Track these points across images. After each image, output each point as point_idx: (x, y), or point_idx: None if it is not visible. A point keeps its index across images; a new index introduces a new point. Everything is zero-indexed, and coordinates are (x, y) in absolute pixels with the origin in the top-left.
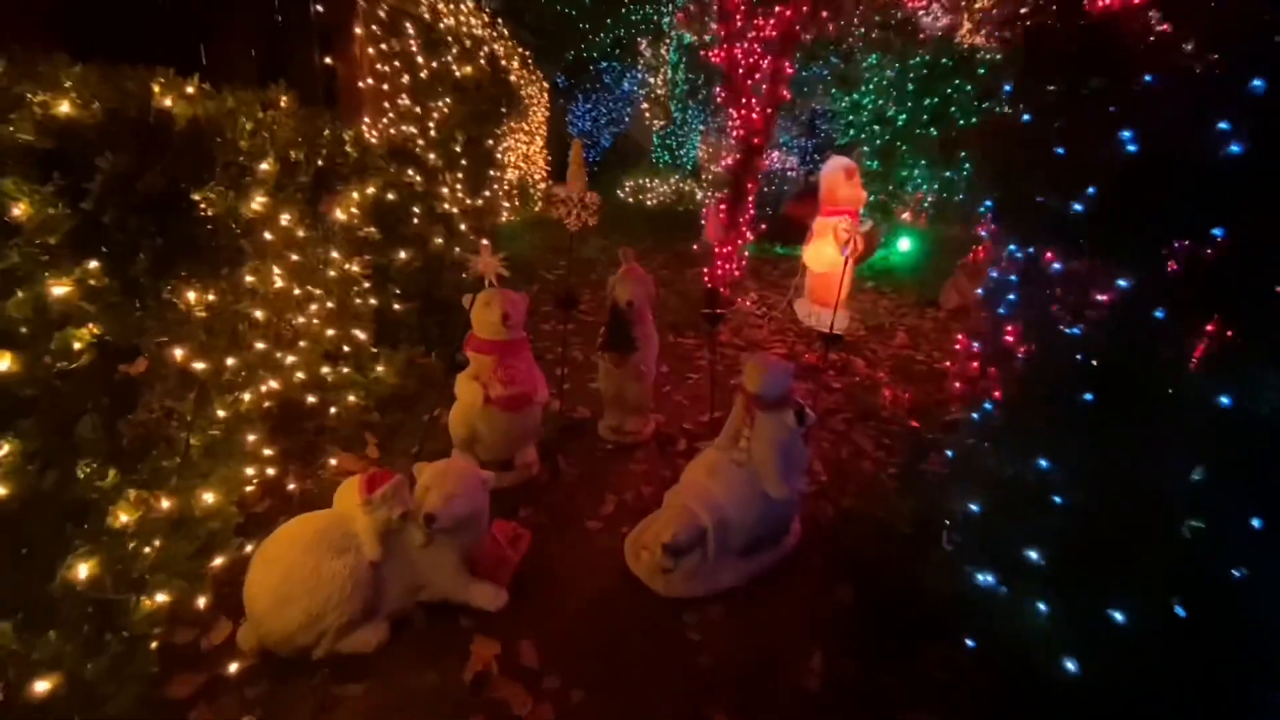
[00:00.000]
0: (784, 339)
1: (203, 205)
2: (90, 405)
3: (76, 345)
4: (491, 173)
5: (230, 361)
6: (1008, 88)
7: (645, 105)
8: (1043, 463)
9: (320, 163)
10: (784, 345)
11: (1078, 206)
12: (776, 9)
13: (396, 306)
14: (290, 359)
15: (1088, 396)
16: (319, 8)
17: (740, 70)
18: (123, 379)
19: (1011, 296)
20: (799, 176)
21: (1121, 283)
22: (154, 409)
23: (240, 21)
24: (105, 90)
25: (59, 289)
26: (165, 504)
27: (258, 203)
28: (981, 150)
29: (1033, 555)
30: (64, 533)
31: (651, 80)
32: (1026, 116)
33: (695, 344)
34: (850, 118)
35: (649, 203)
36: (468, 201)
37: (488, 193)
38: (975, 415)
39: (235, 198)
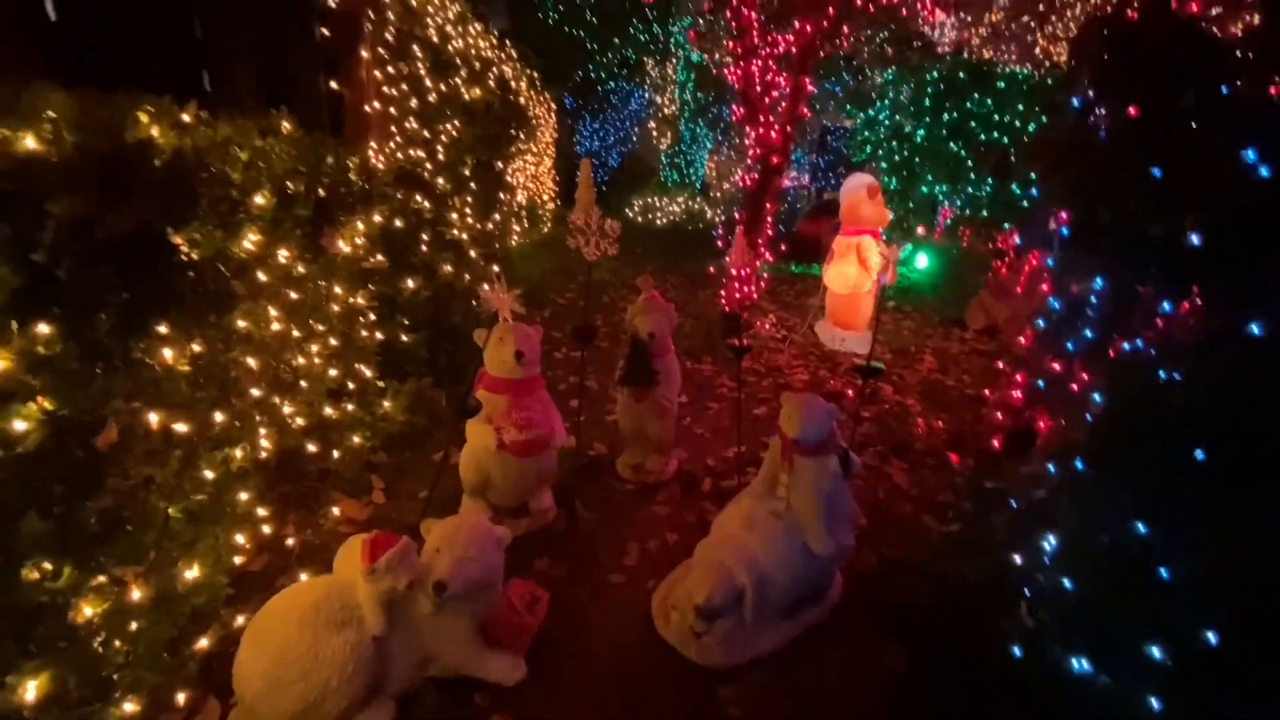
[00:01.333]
0: (806, 364)
1: (185, 248)
2: (39, 495)
3: (20, 426)
4: (501, 195)
5: (219, 416)
6: (1076, 101)
7: (653, 124)
8: (1141, 527)
9: (322, 193)
10: (806, 370)
11: (1194, 239)
12: (795, 24)
13: (404, 337)
14: (289, 406)
15: (1199, 453)
16: (325, 31)
17: (757, 87)
18: (84, 456)
19: (1088, 333)
20: (811, 193)
21: (1254, 329)
22: (129, 478)
23: (243, 45)
24: (81, 120)
25: None
26: (137, 593)
27: (250, 240)
28: (1046, 168)
29: (1148, 646)
30: (3, 650)
31: (659, 99)
32: (1103, 132)
33: (714, 370)
34: (866, 134)
35: (658, 222)
36: (477, 226)
37: (497, 216)
38: (1051, 467)
39: (224, 237)
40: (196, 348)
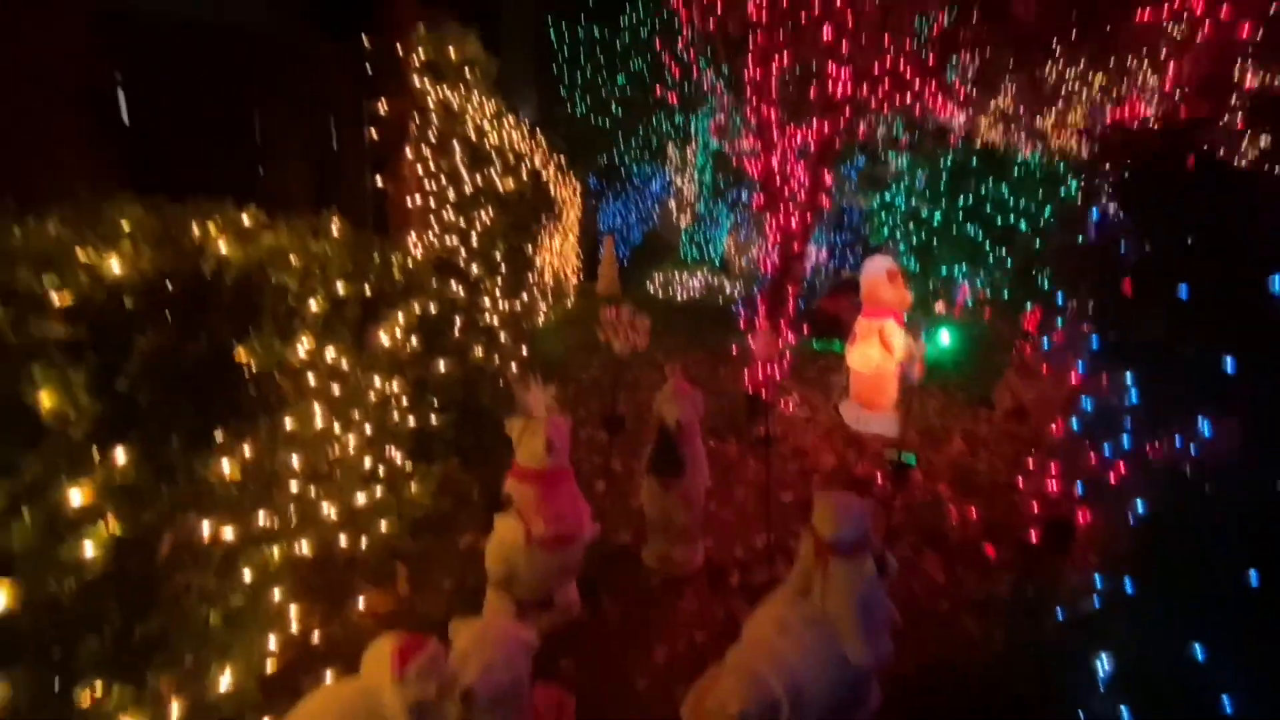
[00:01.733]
0: (832, 445)
1: (248, 362)
2: (99, 616)
3: (90, 551)
4: (529, 277)
5: (262, 517)
6: (1095, 213)
7: (673, 203)
8: (1199, 653)
9: (368, 291)
10: (833, 453)
11: (1229, 365)
12: (815, 122)
13: (433, 419)
14: (324, 500)
15: (1253, 576)
16: (374, 133)
17: (777, 179)
18: (142, 574)
19: (1124, 438)
20: (830, 270)
21: None
22: (176, 588)
23: (299, 146)
24: (158, 235)
25: (78, 494)
26: (176, 706)
27: (304, 346)
28: (1069, 282)
29: None
30: None
31: (679, 180)
32: (1124, 247)
33: (739, 451)
34: (883, 216)
35: (679, 297)
36: (505, 307)
37: (525, 295)
38: (1098, 579)
39: (281, 345)
40: (247, 452)
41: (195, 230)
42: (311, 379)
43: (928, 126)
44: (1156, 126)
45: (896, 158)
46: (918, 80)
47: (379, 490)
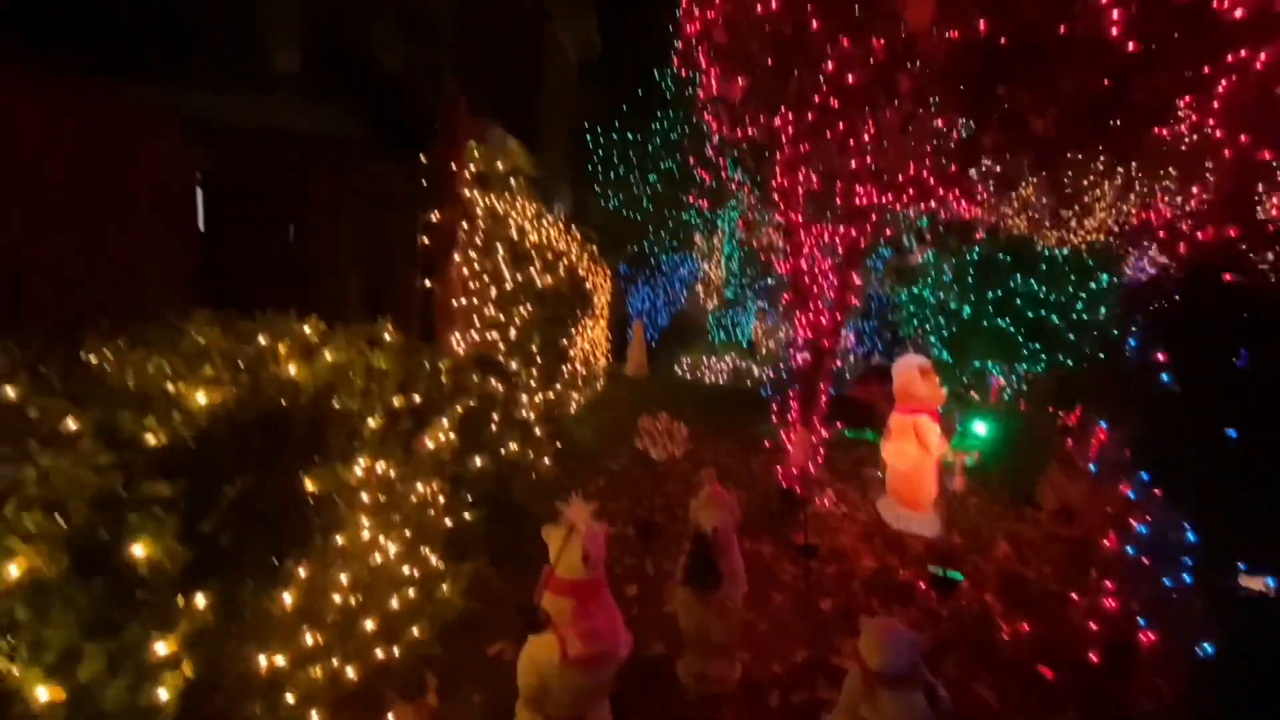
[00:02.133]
0: (871, 546)
1: (314, 491)
2: None
3: (164, 696)
4: (564, 368)
5: (308, 637)
6: (1132, 341)
7: (700, 287)
8: None
9: (418, 399)
10: (872, 554)
11: None
12: (841, 228)
13: (467, 516)
14: (365, 614)
15: None
16: (425, 240)
17: (805, 278)
18: (205, 713)
19: (1185, 565)
20: (859, 356)
21: None
22: None
23: (356, 255)
24: (237, 366)
25: (163, 646)
26: None
27: (361, 465)
28: (1111, 412)
29: None
30: None
31: (706, 266)
32: (1165, 377)
33: (774, 552)
34: (911, 309)
35: (707, 379)
36: (538, 399)
37: (559, 385)
38: None
39: (343, 469)
40: (302, 573)
41: (263, 341)
42: (365, 497)
43: (952, 224)
44: (1179, 271)
45: (920, 248)
46: (940, 188)
47: (412, 592)
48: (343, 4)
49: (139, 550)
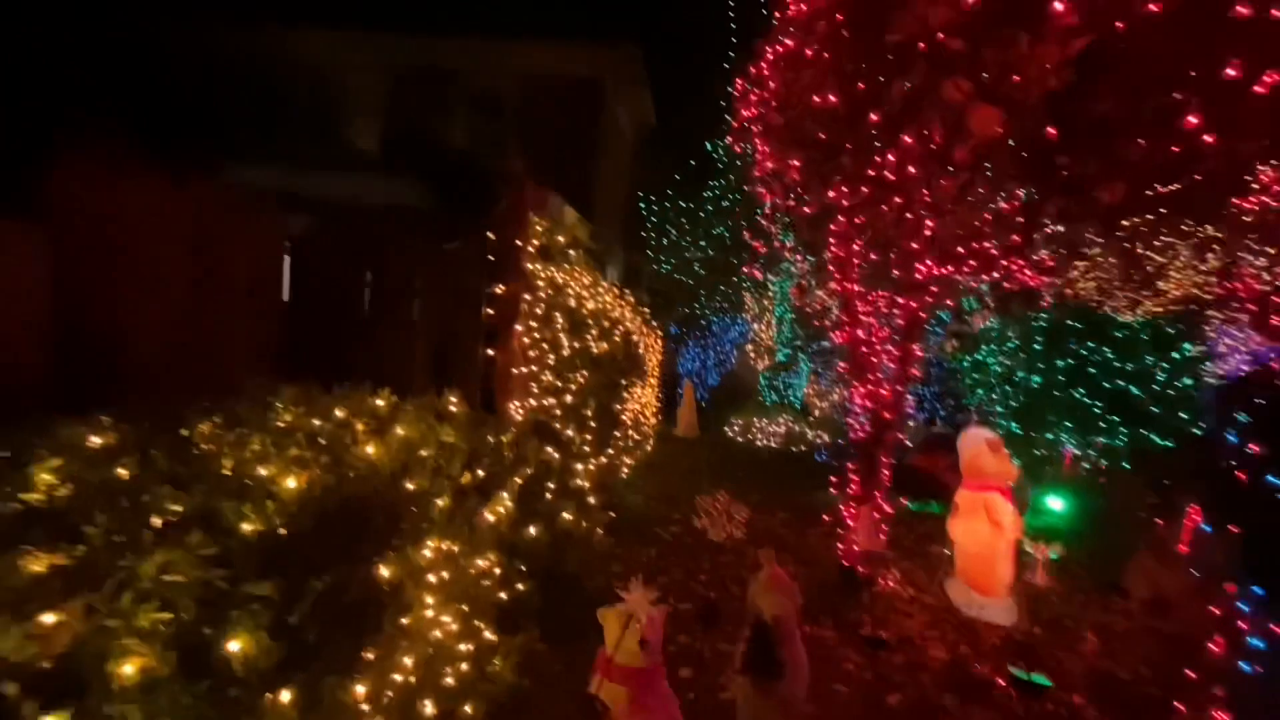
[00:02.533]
0: (942, 634)
1: (388, 579)
2: None
3: None
4: (616, 433)
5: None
6: (1231, 436)
7: (751, 347)
8: None
9: (481, 473)
10: (943, 644)
11: None
12: (900, 301)
13: (520, 587)
14: (424, 694)
15: None
16: (490, 311)
17: (863, 349)
18: None
19: None
20: (920, 424)
21: None
22: None
23: (421, 325)
24: (318, 445)
25: None
26: None
27: (430, 547)
28: (1215, 513)
29: None
30: None
31: (757, 327)
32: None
33: (836, 637)
34: (975, 376)
35: (758, 442)
36: (592, 465)
37: (611, 451)
38: None
39: (415, 553)
40: (369, 656)
41: (340, 414)
42: (432, 577)
43: (1016, 290)
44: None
45: (981, 314)
46: (1003, 259)
47: (465, 666)
48: (416, 88)
49: (235, 646)
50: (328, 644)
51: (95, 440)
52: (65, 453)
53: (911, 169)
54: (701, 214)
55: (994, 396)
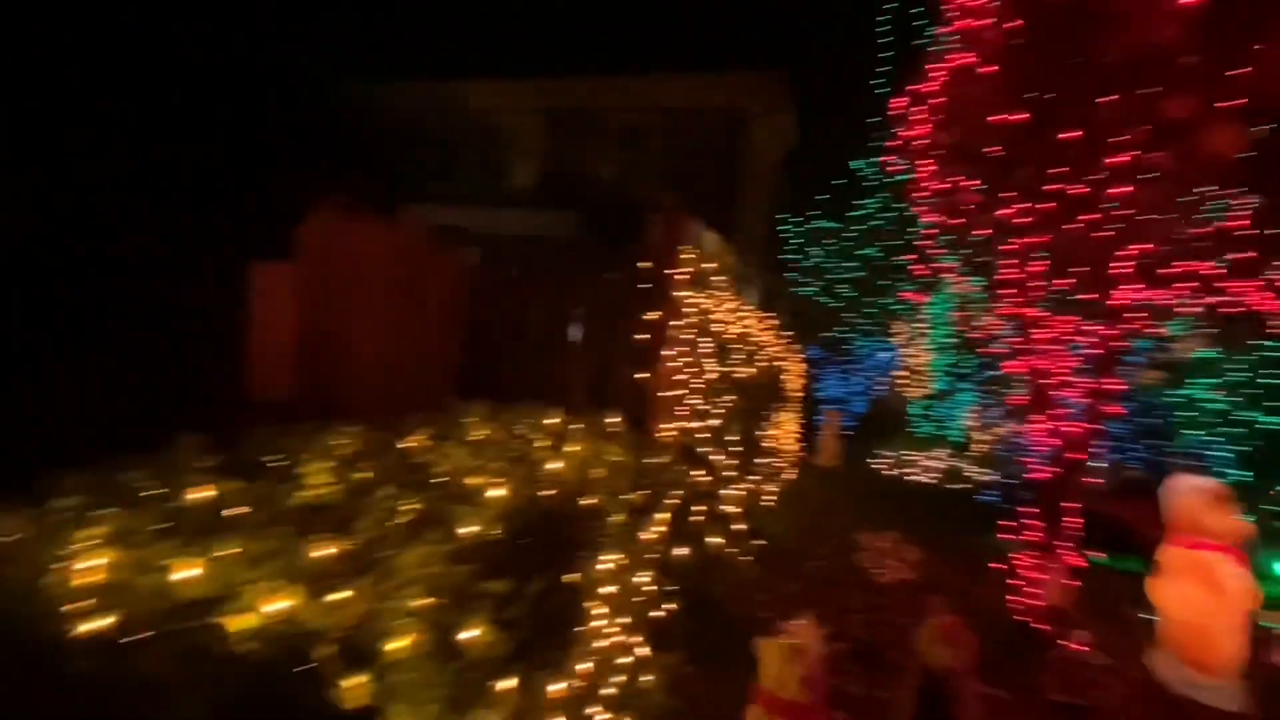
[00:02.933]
0: (1145, 708)
1: (579, 586)
2: None
3: None
4: (758, 459)
5: None
6: None
7: (901, 374)
8: None
9: (643, 492)
10: None
11: None
12: (1088, 328)
13: (670, 605)
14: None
15: None
16: (643, 336)
17: (1046, 380)
18: None
19: None
20: (1111, 466)
21: None
22: None
23: (578, 350)
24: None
25: None
26: None
27: (607, 560)
28: None
29: None
30: None
31: (908, 352)
32: None
33: (1013, 701)
34: (1185, 414)
35: (909, 476)
36: (736, 490)
37: (755, 477)
38: None
39: (594, 563)
40: (569, 656)
41: (521, 430)
42: (601, 588)
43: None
44: None
45: (1192, 340)
46: (1225, 281)
47: (624, 678)
48: (568, 127)
49: (469, 635)
50: (538, 641)
51: (346, 447)
52: (325, 457)
53: (1121, 187)
54: (846, 234)
55: (1209, 438)
